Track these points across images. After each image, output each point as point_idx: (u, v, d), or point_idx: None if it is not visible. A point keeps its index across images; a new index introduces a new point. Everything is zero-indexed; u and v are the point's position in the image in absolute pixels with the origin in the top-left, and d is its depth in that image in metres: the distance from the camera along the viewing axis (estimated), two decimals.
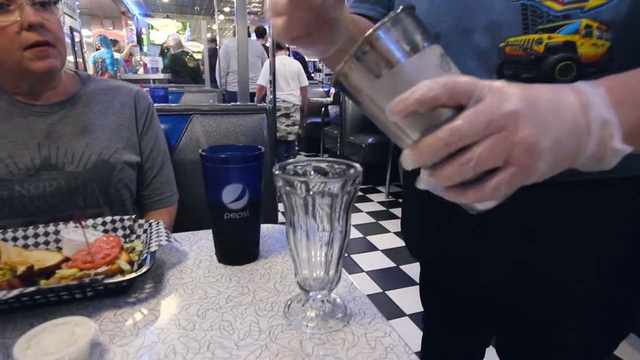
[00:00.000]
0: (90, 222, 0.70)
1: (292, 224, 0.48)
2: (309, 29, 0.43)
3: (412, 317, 1.89)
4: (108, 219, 0.71)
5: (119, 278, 0.55)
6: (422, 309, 0.92)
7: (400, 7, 0.35)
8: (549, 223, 0.56)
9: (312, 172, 0.50)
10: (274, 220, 1.26)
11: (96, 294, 0.55)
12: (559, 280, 0.57)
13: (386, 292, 2.13)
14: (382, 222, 3.12)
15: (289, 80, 3.54)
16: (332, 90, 5.43)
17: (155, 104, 1.00)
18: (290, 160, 0.49)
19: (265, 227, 0.80)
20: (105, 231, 0.70)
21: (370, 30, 0.35)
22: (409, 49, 0.35)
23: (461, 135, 0.32)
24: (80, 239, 0.62)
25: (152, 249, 0.59)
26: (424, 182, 0.36)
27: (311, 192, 0.44)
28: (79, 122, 0.84)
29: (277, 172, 0.45)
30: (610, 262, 0.55)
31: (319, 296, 0.52)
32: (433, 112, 0.34)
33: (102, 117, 0.87)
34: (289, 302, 0.55)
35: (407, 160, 0.35)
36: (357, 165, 0.48)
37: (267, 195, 0.67)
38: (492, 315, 0.75)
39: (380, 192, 3.90)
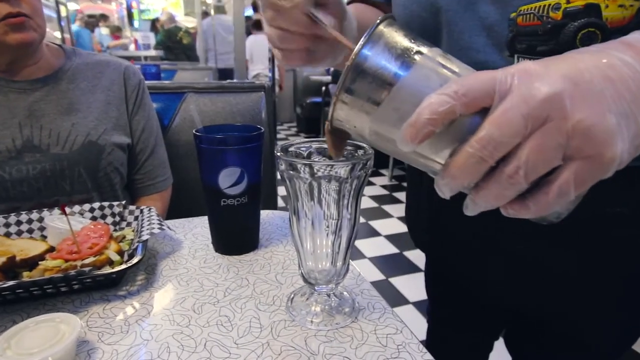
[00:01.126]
0: (76, 208, 0.68)
1: (295, 211, 0.45)
2: (309, 56, 0.43)
3: (417, 305, 1.89)
4: (96, 205, 0.68)
5: (107, 269, 0.53)
6: (426, 297, 0.90)
7: (378, 19, 0.31)
8: (568, 216, 0.53)
9: (317, 154, 0.47)
10: (273, 207, 1.24)
11: (83, 287, 0.53)
12: (576, 277, 0.55)
13: (389, 279, 2.13)
14: (385, 207, 3.11)
15: (262, 57, 3.62)
16: (332, 68, 5.35)
17: (146, 82, 0.97)
18: (295, 141, 0.46)
19: (264, 214, 0.78)
20: (93, 218, 0.68)
21: (352, 56, 0.31)
22: (402, 63, 0.31)
23: (495, 143, 0.27)
24: (66, 226, 0.59)
25: (144, 238, 0.57)
26: (470, 208, 0.31)
27: (316, 176, 0.41)
28: (63, 99, 0.81)
29: (279, 154, 0.42)
30: (633, 258, 0.53)
31: (325, 290, 0.50)
32: (454, 125, 0.29)
33: (89, 94, 0.84)
34: (292, 295, 0.53)
35: (442, 189, 0.30)
36: (367, 146, 0.45)
37: (265, 179, 0.65)
38: (502, 310, 0.73)
39: (383, 175, 3.88)
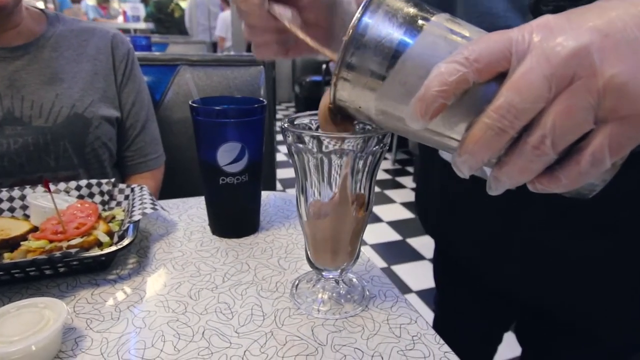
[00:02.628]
0: (62, 186, 0.66)
1: (303, 190, 0.43)
2: (281, 48, 0.43)
3: (420, 294, 1.89)
4: (83, 182, 0.67)
5: (96, 251, 0.52)
6: (430, 286, 0.90)
7: None
8: (593, 206, 0.51)
9: None
10: (272, 188, 1.22)
11: (70, 270, 0.52)
12: (598, 269, 0.53)
13: (392, 267, 2.13)
14: (388, 192, 3.10)
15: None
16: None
17: (136, 53, 0.94)
18: (305, 113, 0.44)
19: (264, 195, 0.76)
20: (80, 197, 0.66)
21: (350, 28, 0.29)
22: (405, 31, 0.29)
23: (516, 111, 0.25)
24: (50, 205, 0.57)
25: (135, 218, 0.56)
26: (494, 187, 0.29)
27: (325, 151, 0.39)
28: (46, 68, 0.78)
29: (286, 125, 0.40)
30: None
31: (333, 276, 0.48)
32: (468, 95, 0.27)
33: (73, 63, 0.81)
34: (297, 281, 0.52)
35: (461, 168, 0.28)
36: None
37: (264, 161, 0.63)
38: (514, 301, 0.72)
39: (385, 158, 3.86)
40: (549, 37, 0.25)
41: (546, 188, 0.28)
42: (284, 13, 0.40)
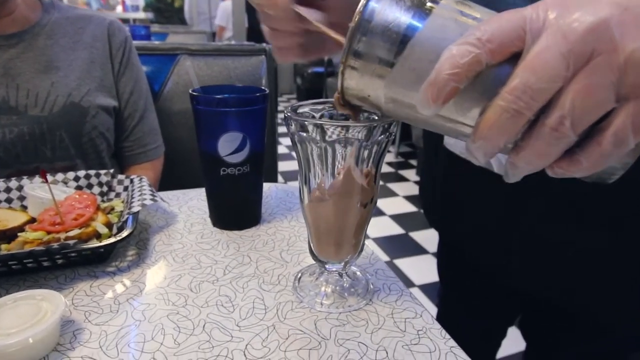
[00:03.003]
0: (60, 176, 0.65)
1: (307, 181, 0.43)
2: (302, 51, 0.43)
3: (423, 288, 1.89)
4: (81, 173, 0.66)
5: (94, 243, 0.51)
6: (433, 280, 0.90)
7: None
8: (599, 197, 0.50)
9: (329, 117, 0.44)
10: (274, 181, 1.21)
11: (68, 262, 0.51)
12: (604, 262, 0.53)
13: (394, 261, 2.13)
14: (391, 185, 3.09)
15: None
16: None
17: (135, 42, 0.93)
18: (308, 101, 0.43)
19: (266, 187, 0.76)
20: (78, 188, 0.65)
21: (356, 14, 0.28)
22: (413, 14, 0.28)
23: (532, 92, 0.24)
24: (48, 196, 0.57)
25: (135, 210, 0.56)
26: (512, 174, 0.28)
27: (329, 140, 0.38)
28: (41, 56, 0.78)
29: (289, 114, 0.39)
30: None
31: (336, 269, 0.48)
32: (481, 78, 0.26)
33: (69, 51, 0.81)
34: (299, 274, 0.51)
35: (476, 154, 0.28)
36: None
37: (266, 152, 0.63)
38: (520, 294, 0.72)
39: (388, 151, 3.85)
40: (564, 14, 0.24)
41: (566, 172, 0.27)
42: (310, 14, 0.40)
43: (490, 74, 0.26)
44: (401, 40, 0.28)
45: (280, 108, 5.34)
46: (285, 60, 0.45)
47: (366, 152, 0.40)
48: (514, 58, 0.25)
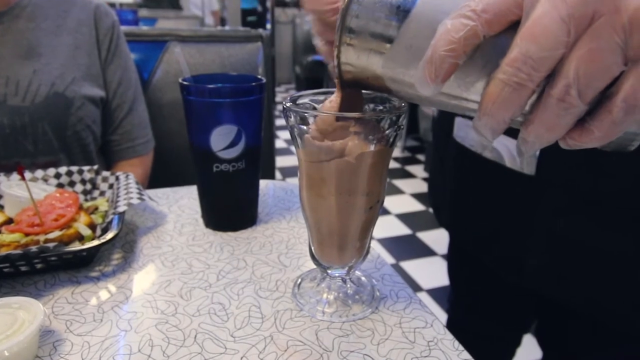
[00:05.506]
0: (39, 173, 0.65)
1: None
2: None
3: (431, 293, 1.89)
4: (63, 170, 0.66)
5: (76, 246, 0.51)
6: (443, 284, 0.91)
7: None
8: (625, 196, 0.50)
9: None
10: (271, 177, 1.21)
11: (47, 267, 0.51)
12: (629, 260, 0.52)
13: (400, 264, 2.13)
14: (397, 182, 3.09)
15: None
16: None
17: (122, 28, 0.92)
18: (308, 91, 0.42)
19: (263, 184, 0.75)
20: (60, 185, 0.65)
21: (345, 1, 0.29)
22: None
23: (533, 62, 0.25)
24: (25, 194, 0.56)
25: (121, 210, 0.55)
26: (524, 149, 0.29)
27: None
28: (22, 40, 0.78)
29: (288, 105, 0.39)
30: None
31: (339, 274, 0.47)
32: (480, 51, 0.26)
33: (52, 36, 0.80)
34: (299, 280, 0.51)
35: (483, 131, 0.28)
36: (396, 98, 0.41)
37: (262, 146, 0.62)
38: (535, 298, 0.72)
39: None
40: None
41: (578, 143, 0.27)
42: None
43: (490, 46, 0.26)
44: (395, 16, 0.29)
45: (278, 99, 5.34)
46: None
47: (371, 147, 0.39)
48: (513, 27, 0.25)
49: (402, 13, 0.28)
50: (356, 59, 0.31)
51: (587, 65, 0.24)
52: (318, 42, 0.46)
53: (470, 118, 0.32)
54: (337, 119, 0.37)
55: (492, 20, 0.25)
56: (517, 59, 0.25)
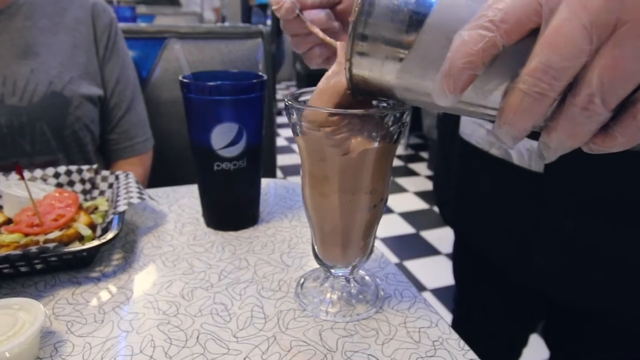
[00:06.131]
0: (38, 173, 0.65)
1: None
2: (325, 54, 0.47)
3: (436, 292, 1.89)
4: (62, 169, 0.66)
5: (77, 246, 0.51)
6: (447, 283, 0.91)
7: None
8: (629, 191, 0.50)
9: None
10: (272, 176, 1.21)
11: (47, 267, 0.51)
12: (637, 262, 0.52)
13: (404, 263, 2.13)
14: (400, 180, 3.09)
15: None
16: None
17: (120, 24, 0.93)
18: (310, 88, 0.42)
19: (265, 182, 0.75)
20: (59, 185, 0.65)
21: (356, 10, 0.29)
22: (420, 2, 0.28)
23: (554, 71, 0.24)
24: (25, 194, 0.56)
25: (121, 209, 0.55)
26: (546, 154, 0.29)
27: None
28: (19, 39, 0.78)
29: (289, 102, 0.39)
30: None
31: (343, 273, 0.47)
32: (499, 60, 0.26)
33: (50, 35, 0.80)
34: (302, 280, 0.51)
35: (504, 139, 0.28)
36: None
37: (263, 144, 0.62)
38: (542, 297, 0.72)
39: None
40: None
41: (602, 148, 0.27)
42: (314, 16, 0.44)
43: (509, 54, 0.26)
44: (408, 27, 0.28)
45: (279, 96, 5.34)
46: (314, 65, 0.48)
47: (376, 144, 0.39)
48: (533, 34, 0.25)
49: (416, 22, 0.28)
50: (369, 68, 0.31)
51: (611, 73, 0.24)
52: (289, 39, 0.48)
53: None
54: (339, 114, 0.37)
55: (511, 30, 0.25)
56: (537, 68, 0.25)
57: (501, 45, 0.25)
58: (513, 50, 0.26)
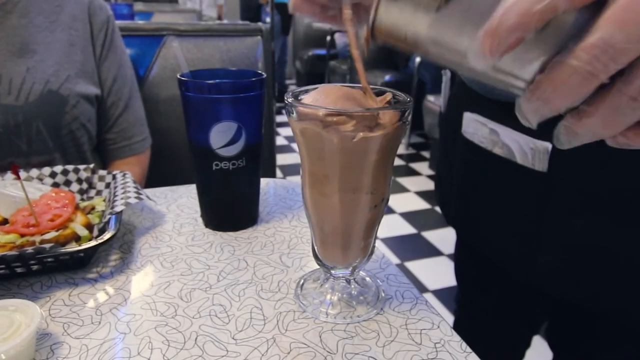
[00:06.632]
0: (34, 172, 0.65)
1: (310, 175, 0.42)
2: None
3: (437, 294, 1.90)
4: (58, 168, 0.66)
5: (73, 247, 0.51)
6: (449, 285, 0.90)
7: None
8: (637, 196, 0.50)
9: None
10: (272, 176, 1.21)
11: (44, 268, 0.51)
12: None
13: (405, 264, 2.13)
14: (401, 180, 3.09)
15: None
16: None
17: (117, 22, 0.93)
18: (311, 86, 0.42)
19: (264, 182, 0.75)
20: (55, 185, 0.65)
21: None
22: None
23: (614, 51, 0.22)
24: (21, 194, 0.56)
25: (118, 209, 0.55)
26: (566, 139, 0.27)
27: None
28: (14, 37, 0.78)
29: (290, 100, 0.39)
30: None
31: (343, 274, 0.47)
32: (551, 27, 0.24)
33: (46, 33, 0.80)
34: (302, 281, 0.51)
35: (529, 116, 0.26)
36: (402, 94, 0.42)
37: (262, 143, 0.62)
38: (546, 298, 0.72)
39: None
40: None
41: (631, 143, 0.26)
42: None
43: (564, 23, 0.24)
44: None
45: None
46: (299, 11, 0.43)
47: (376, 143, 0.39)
48: (593, 7, 0.23)
49: None
50: (398, 14, 0.28)
51: None
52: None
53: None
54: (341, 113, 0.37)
55: None
56: (596, 45, 0.22)
57: (562, 10, 0.23)
58: (570, 19, 0.24)
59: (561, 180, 0.53)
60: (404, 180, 3.08)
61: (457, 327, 0.90)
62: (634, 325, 0.58)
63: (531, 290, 0.71)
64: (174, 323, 0.45)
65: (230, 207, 0.62)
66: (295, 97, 0.41)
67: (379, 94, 0.42)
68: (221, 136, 0.55)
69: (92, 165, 0.67)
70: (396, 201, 2.75)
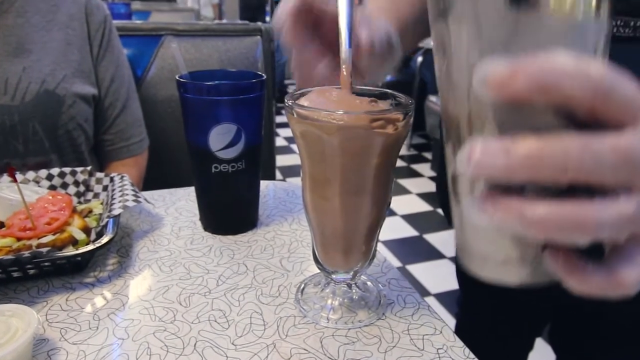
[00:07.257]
0: (31, 175, 0.65)
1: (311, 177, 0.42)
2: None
3: (439, 297, 1.90)
4: (55, 171, 0.66)
5: (70, 251, 0.51)
6: (451, 288, 0.91)
7: None
8: None
9: None
10: (271, 177, 1.21)
11: (40, 273, 0.51)
12: None
13: (407, 267, 2.13)
14: (402, 181, 3.09)
15: None
16: None
17: (114, 22, 0.93)
18: (312, 88, 0.42)
19: (264, 185, 0.75)
20: (52, 187, 0.65)
21: None
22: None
23: (598, 164, 0.22)
24: (17, 197, 0.56)
25: (116, 212, 0.55)
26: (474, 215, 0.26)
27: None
28: (10, 37, 0.78)
29: (290, 102, 0.39)
30: None
31: (343, 278, 0.47)
32: (545, 111, 0.24)
33: (43, 32, 0.81)
34: (302, 285, 0.51)
35: (473, 155, 0.24)
36: (403, 95, 0.42)
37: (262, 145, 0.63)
38: (549, 298, 0.72)
39: None
40: None
41: (570, 278, 0.27)
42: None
43: (556, 114, 0.24)
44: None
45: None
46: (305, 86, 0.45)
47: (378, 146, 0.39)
48: (583, 126, 0.23)
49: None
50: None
51: None
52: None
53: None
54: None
55: (600, 100, 0.23)
56: (590, 150, 0.22)
57: (570, 102, 0.23)
58: (561, 115, 0.24)
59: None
60: (405, 182, 3.08)
61: (460, 330, 0.90)
62: (637, 325, 0.58)
63: (534, 292, 0.71)
64: (173, 328, 0.45)
65: (230, 210, 0.62)
66: (296, 99, 0.41)
67: (381, 95, 0.42)
68: (220, 138, 0.55)
69: (89, 168, 0.67)
70: (397, 203, 2.75)
